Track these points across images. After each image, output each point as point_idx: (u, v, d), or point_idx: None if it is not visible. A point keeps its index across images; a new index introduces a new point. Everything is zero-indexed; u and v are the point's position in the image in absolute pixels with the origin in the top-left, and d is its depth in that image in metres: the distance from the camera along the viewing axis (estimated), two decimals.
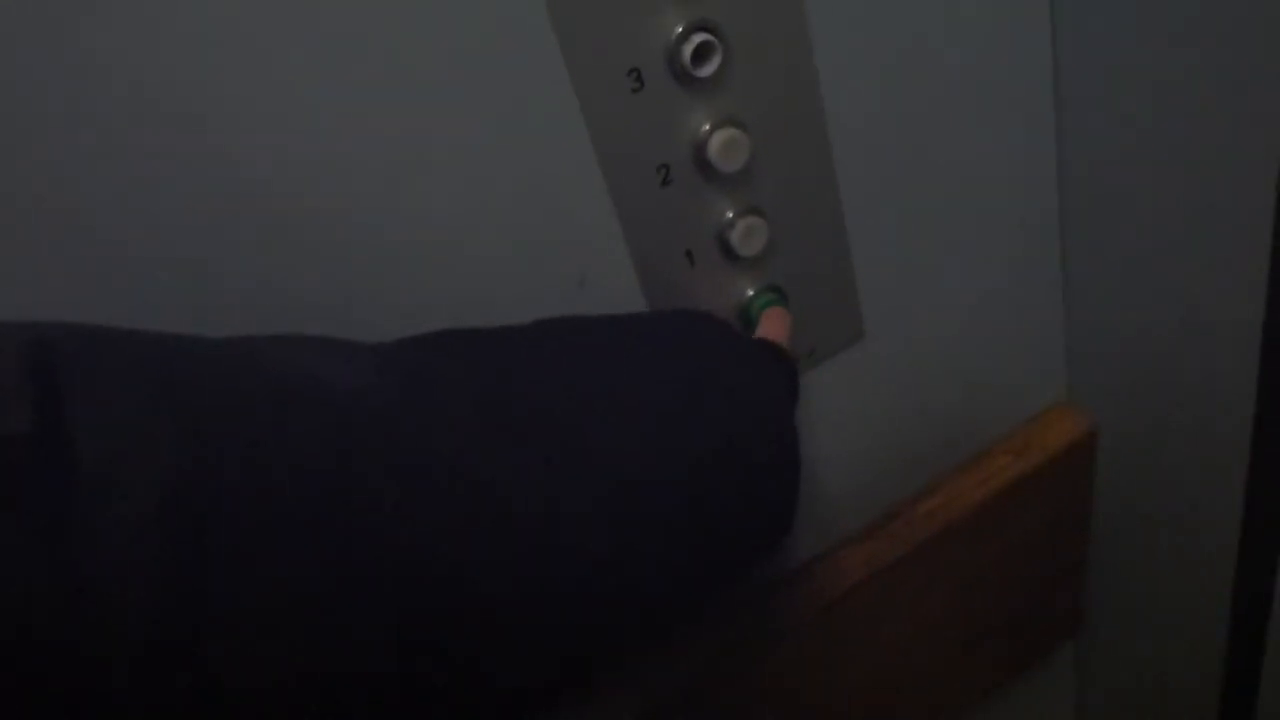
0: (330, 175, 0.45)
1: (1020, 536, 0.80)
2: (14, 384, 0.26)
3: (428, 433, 0.34)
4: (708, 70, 0.50)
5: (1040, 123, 0.67)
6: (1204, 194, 0.60)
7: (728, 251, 0.57)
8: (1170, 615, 0.88)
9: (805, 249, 0.61)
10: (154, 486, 0.26)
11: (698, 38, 0.49)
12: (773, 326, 0.57)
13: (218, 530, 0.27)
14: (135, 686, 0.26)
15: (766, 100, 0.54)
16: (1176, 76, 0.58)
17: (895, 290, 0.67)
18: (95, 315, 0.32)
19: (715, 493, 0.43)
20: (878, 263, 0.65)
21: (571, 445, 0.38)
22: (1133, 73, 0.60)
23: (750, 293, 0.60)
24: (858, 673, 0.79)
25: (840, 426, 0.71)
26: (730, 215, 0.56)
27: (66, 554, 0.25)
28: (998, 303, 0.74)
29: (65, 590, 0.25)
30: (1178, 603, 0.86)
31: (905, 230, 0.65)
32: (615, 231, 0.53)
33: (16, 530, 0.24)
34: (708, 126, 0.52)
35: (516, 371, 0.41)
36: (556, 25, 0.46)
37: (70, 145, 0.39)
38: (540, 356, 0.43)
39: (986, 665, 0.90)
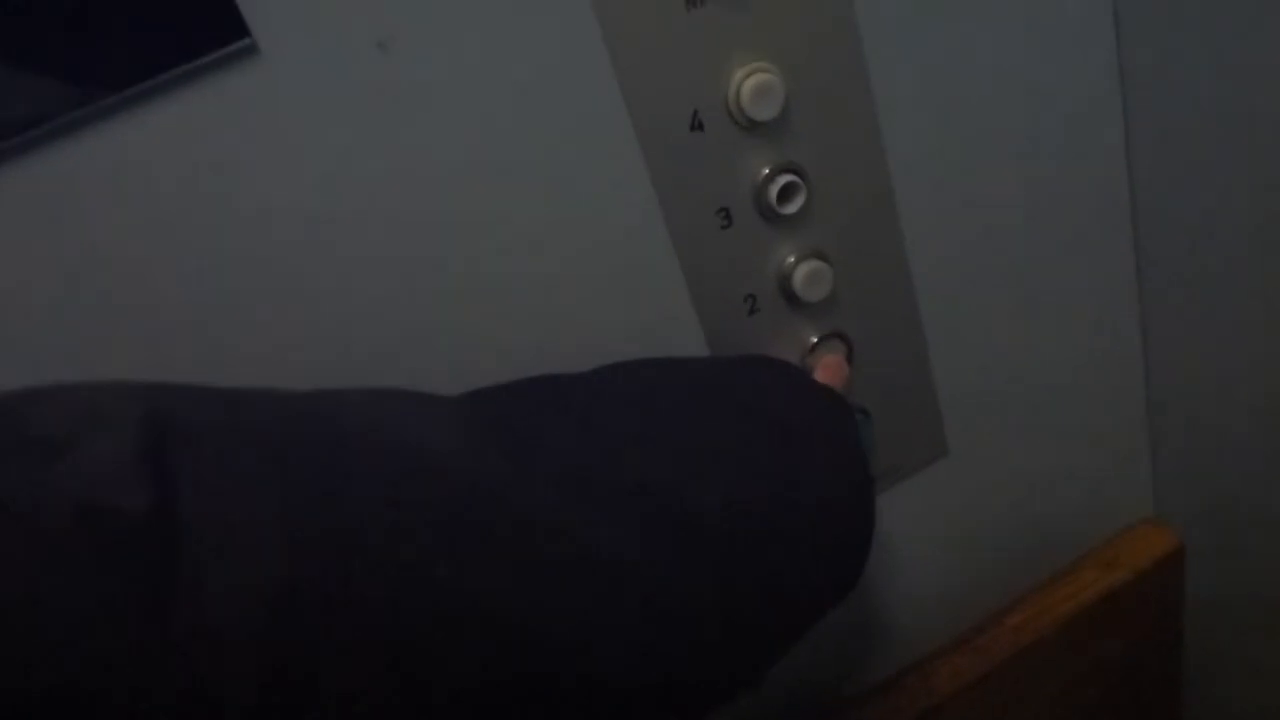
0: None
1: (1111, 652, 0.80)
2: (132, 462, 0.27)
3: (529, 497, 0.35)
4: (792, 208, 0.53)
5: (1121, 242, 0.69)
6: None
7: None
8: None
9: (888, 371, 0.63)
10: (261, 585, 0.27)
11: (783, 179, 0.52)
12: (830, 375, 0.57)
13: (327, 630, 0.28)
14: None
15: (849, 234, 0.57)
16: (1249, 195, 0.59)
17: (978, 408, 0.69)
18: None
19: (796, 531, 0.42)
20: (960, 382, 0.67)
21: (665, 503, 0.38)
22: (1208, 190, 0.62)
23: None
24: None
25: (926, 541, 0.72)
26: (815, 341, 0.59)
27: (174, 636, 0.26)
28: (1081, 419, 0.75)
29: (170, 672, 0.26)
30: None
31: (987, 350, 0.67)
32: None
33: (127, 606, 0.25)
34: (792, 259, 0.55)
35: (600, 423, 0.41)
36: (651, 168, 0.50)
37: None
38: (621, 407, 0.43)
39: None
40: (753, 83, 0.49)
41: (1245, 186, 0.59)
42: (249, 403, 0.33)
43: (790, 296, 0.56)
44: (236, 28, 0.39)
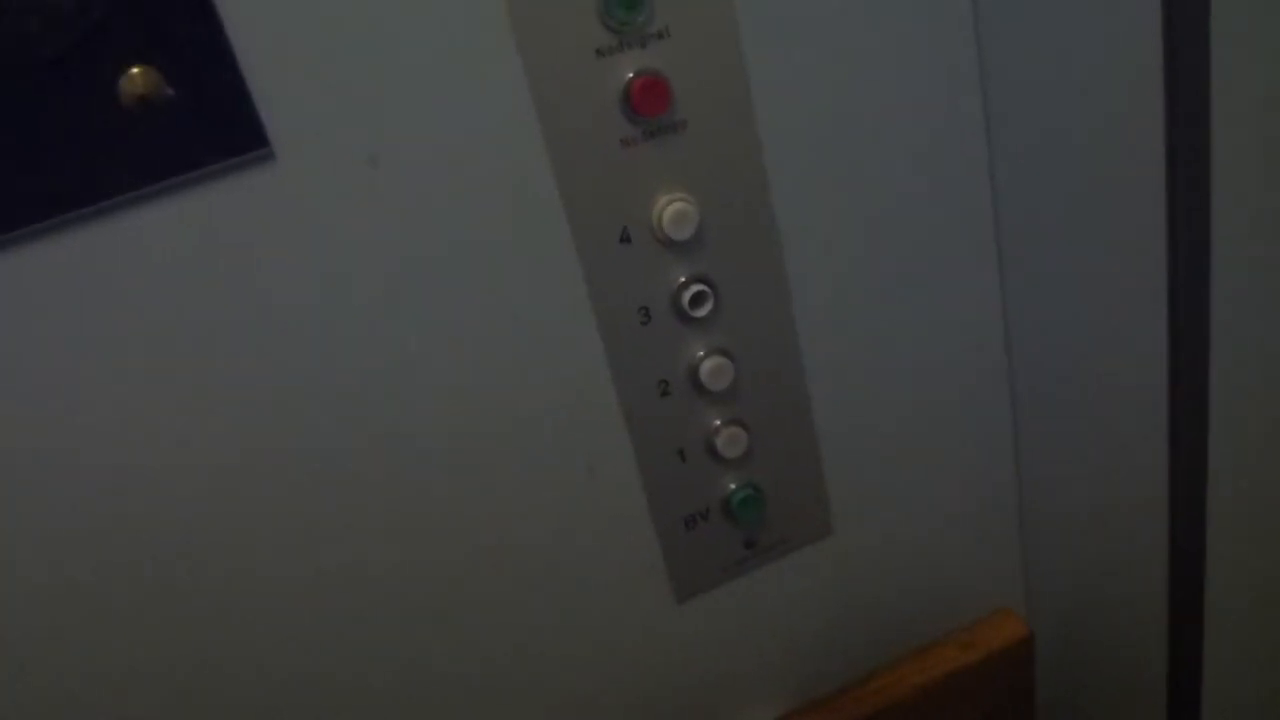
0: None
1: None
2: None
3: None
4: (702, 313, 0.64)
5: (993, 352, 0.78)
6: (1129, 422, 0.72)
7: (714, 454, 0.69)
8: None
9: (781, 454, 0.73)
10: None
11: (695, 288, 0.63)
12: None
13: None
14: None
15: (750, 336, 0.67)
16: (1115, 289, 0.68)
17: (862, 495, 0.78)
18: None
19: None
20: (847, 469, 0.76)
21: None
22: (1076, 292, 0.71)
23: (733, 487, 0.72)
24: None
25: (803, 610, 0.81)
26: (717, 424, 0.69)
27: None
28: (956, 512, 0.84)
29: None
30: None
31: (872, 442, 0.77)
32: (622, 432, 0.66)
33: None
34: (701, 354, 0.66)
35: None
36: (586, 271, 0.60)
37: None
38: None
39: None
40: (672, 209, 0.60)
41: (1110, 276, 0.67)
42: None
43: (698, 385, 0.66)
44: (258, 137, 0.50)
